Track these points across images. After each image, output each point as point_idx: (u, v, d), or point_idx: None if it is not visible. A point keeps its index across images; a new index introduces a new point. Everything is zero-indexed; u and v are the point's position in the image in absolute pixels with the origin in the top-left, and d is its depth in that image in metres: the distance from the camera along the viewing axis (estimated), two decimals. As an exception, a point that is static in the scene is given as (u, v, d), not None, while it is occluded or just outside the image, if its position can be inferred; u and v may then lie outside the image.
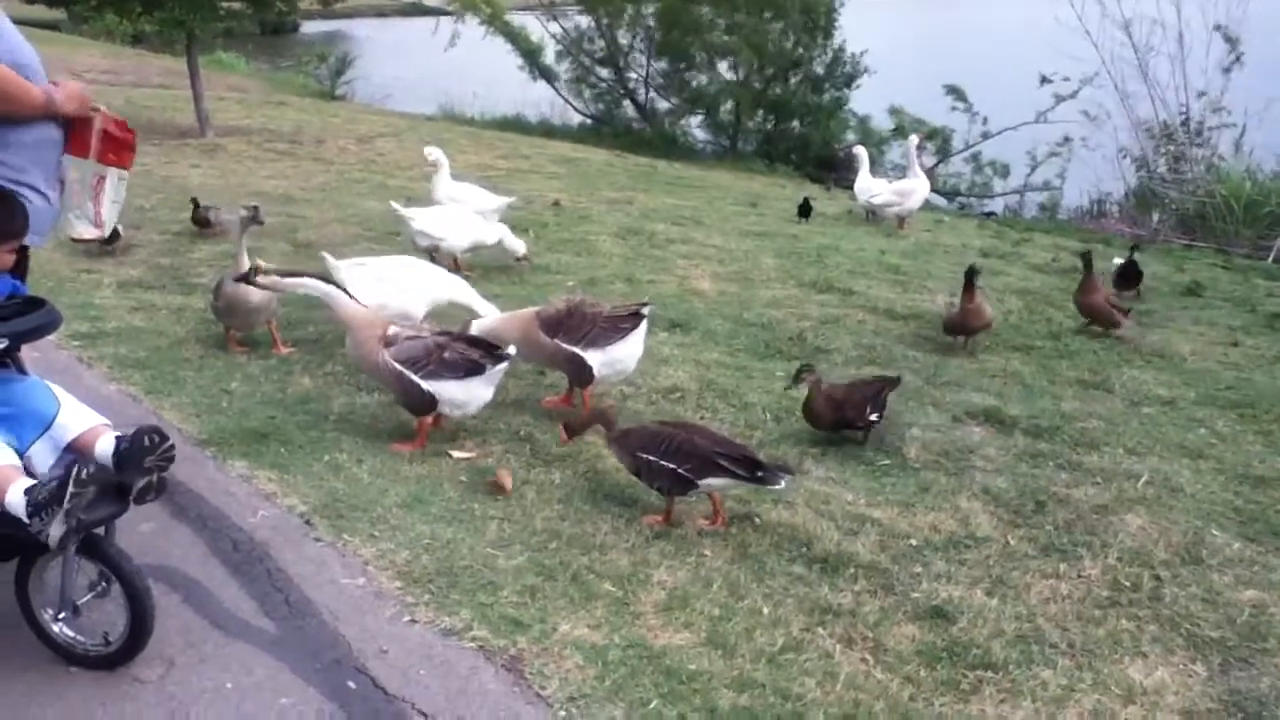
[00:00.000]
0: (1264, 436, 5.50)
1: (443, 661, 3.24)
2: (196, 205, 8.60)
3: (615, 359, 5.10)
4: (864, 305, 7.68)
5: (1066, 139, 17.68)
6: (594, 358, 5.04)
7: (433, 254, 7.30)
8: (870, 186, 11.06)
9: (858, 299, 7.86)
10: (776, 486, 4.06)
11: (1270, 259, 11.53)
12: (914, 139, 11.33)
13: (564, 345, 5.03)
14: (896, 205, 10.72)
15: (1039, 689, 3.25)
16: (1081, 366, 6.49)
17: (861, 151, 11.26)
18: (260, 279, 4.84)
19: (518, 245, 7.85)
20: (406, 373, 4.63)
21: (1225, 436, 5.42)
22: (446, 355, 4.66)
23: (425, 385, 4.63)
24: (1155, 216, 14.94)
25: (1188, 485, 4.80)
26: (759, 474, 4.03)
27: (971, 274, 6.50)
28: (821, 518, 4.29)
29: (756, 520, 4.19)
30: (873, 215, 11.28)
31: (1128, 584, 3.89)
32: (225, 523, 4.02)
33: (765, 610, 3.60)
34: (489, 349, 4.76)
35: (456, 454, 4.72)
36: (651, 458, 4.09)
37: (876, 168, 16.16)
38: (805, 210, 11.13)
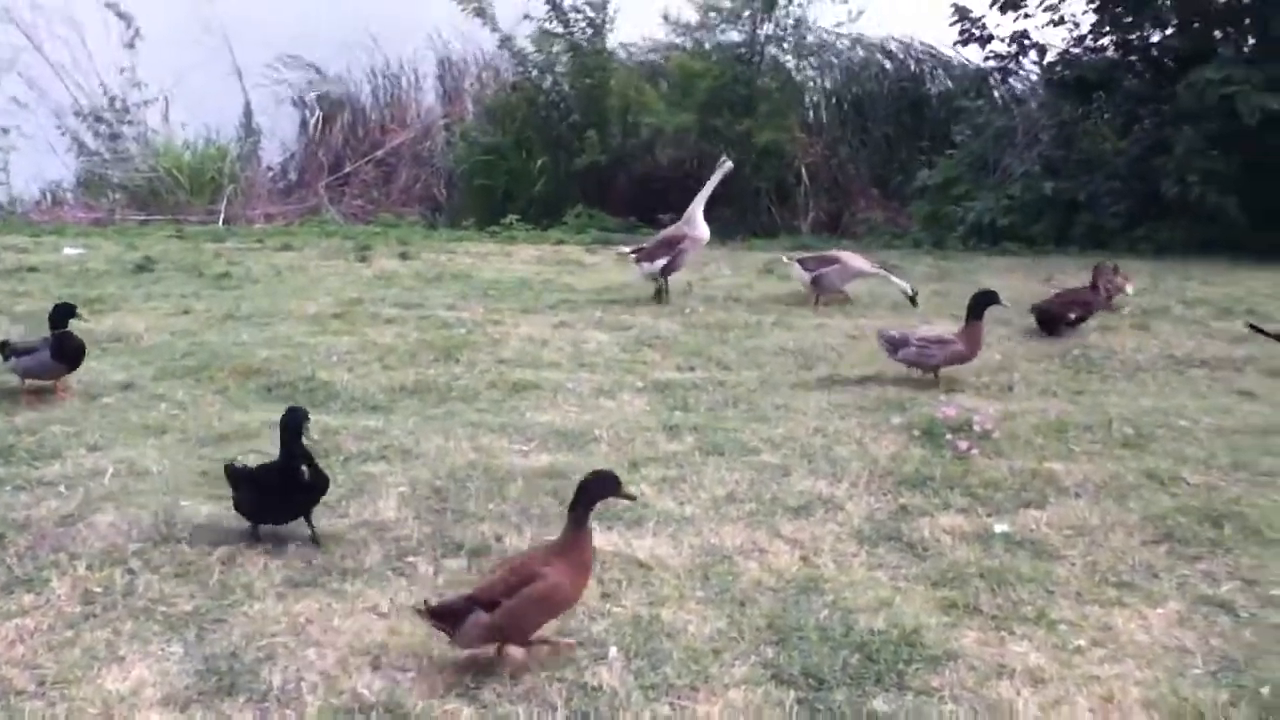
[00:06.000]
0: (222, 394, 5.75)
1: None
2: None
3: None
4: None
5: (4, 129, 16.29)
6: None
7: None
8: None
9: None
10: None
11: (220, 221, 12.20)
12: None
13: None
14: None
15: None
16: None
17: None
18: None
19: None
20: None
21: (186, 405, 5.53)
22: None
23: None
24: (112, 197, 14.75)
25: (154, 465, 4.77)
26: None
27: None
28: None
29: None
30: None
31: (100, 589, 3.71)
32: None
33: None
34: None
35: None
36: None
37: None
38: None
